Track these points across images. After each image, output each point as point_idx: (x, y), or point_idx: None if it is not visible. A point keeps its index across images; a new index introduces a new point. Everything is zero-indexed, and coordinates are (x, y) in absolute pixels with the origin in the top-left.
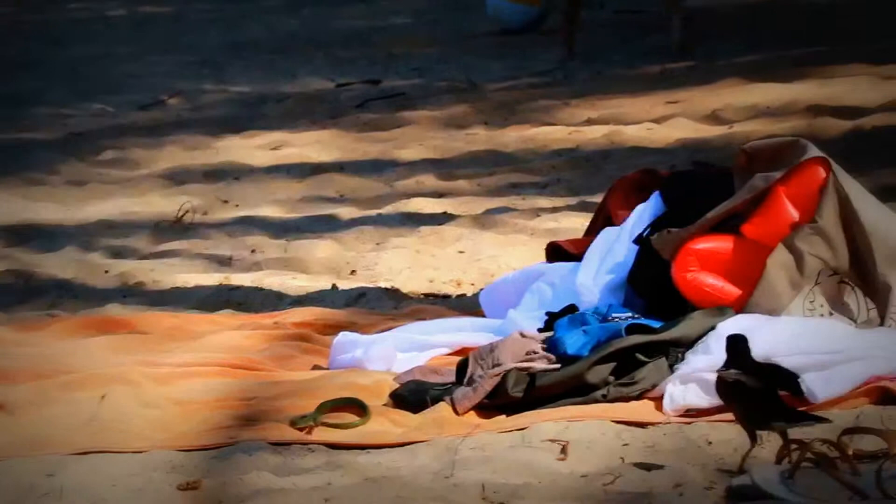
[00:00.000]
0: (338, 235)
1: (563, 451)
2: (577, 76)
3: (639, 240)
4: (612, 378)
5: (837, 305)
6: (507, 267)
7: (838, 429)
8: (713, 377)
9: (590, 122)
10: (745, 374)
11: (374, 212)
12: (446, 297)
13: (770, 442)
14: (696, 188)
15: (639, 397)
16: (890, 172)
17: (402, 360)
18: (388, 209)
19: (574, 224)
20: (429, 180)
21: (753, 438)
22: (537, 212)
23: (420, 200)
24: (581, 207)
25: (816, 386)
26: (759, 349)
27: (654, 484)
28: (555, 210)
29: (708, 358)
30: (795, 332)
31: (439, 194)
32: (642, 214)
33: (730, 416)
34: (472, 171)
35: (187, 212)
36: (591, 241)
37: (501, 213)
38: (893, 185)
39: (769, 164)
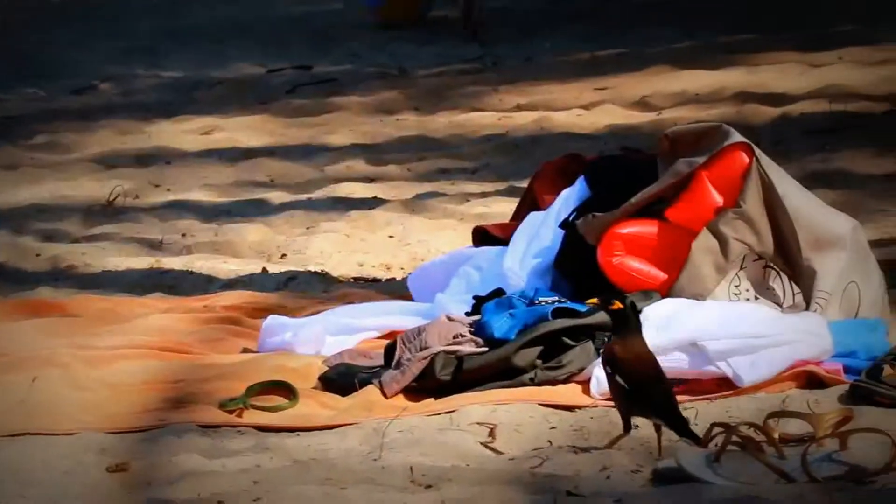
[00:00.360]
0: (268, 219)
1: (491, 434)
2: (507, 63)
3: (564, 224)
4: (539, 361)
5: (763, 290)
6: (436, 251)
7: (764, 412)
8: None
9: (519, 108)
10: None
11: (304, 196)
12: (376, 280)
13: (696, 425)
14: (622, 173)
15: (566, 381)
16: (816, 159)
17: (331, 344)
18: (318, 194)
19: (504, 209)
20: (359, 165)
21: (627, 426)
22: (467, 197)
23: (350, 185)
24: (510, 192)
25: (742, 370)
26: (686, 333)
27: (581, 467)
28: (484, 195)
29: None
30: (721, 316)
31: (369, 179)
32: (568, 199)
33: None
34: (402, 156)
35: (119, 196)
36: (518, 226)
37: (431, 198)
38: (820, 171)
39: (692, 149)
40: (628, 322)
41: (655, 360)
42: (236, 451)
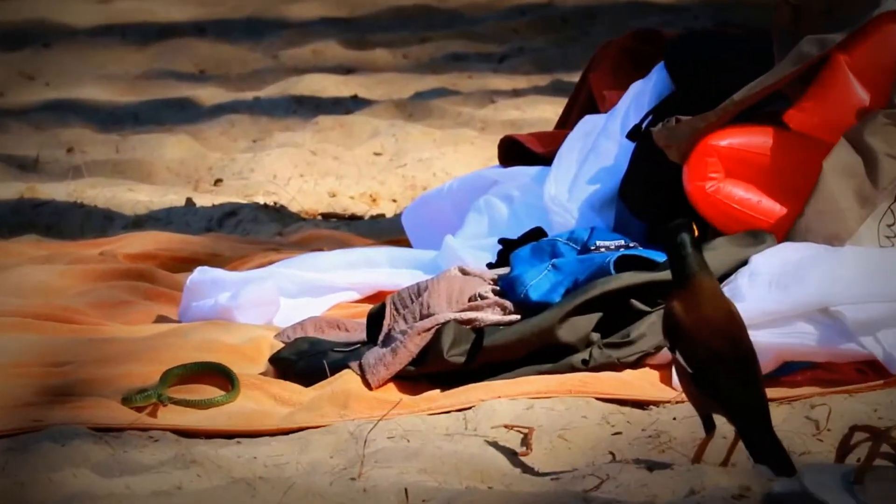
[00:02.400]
0: (196, 128)
1: (526, 442)
2: None
3: (635, 133)
4: (596, 336)
5: None
6: (443, 175)
7: None
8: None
9: None
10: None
11: (249, 94)
12: (355, 217)
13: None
14: (718, 57)
15: (636, 364)
16: None
17: (288, 309)
18: (270, 91)
19: (544, 114)
20: (331, 49)
21: (708, 427)
22: (491, 96)
23: (318, 78)
24: (555, 90)
25: None
26: (814, 294)
27: (657, 490)
28: (516, 93)
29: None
30: (866, 270)
31: (346, 70)
32: (639, 96)
33: (774, 392)
34: (394, 35)
35: None
36: (566, 136)
37: (437, 98)
38: None
39: (825, 20)
40: (685, 260)
41: (734, 323)
42: (147, 466)
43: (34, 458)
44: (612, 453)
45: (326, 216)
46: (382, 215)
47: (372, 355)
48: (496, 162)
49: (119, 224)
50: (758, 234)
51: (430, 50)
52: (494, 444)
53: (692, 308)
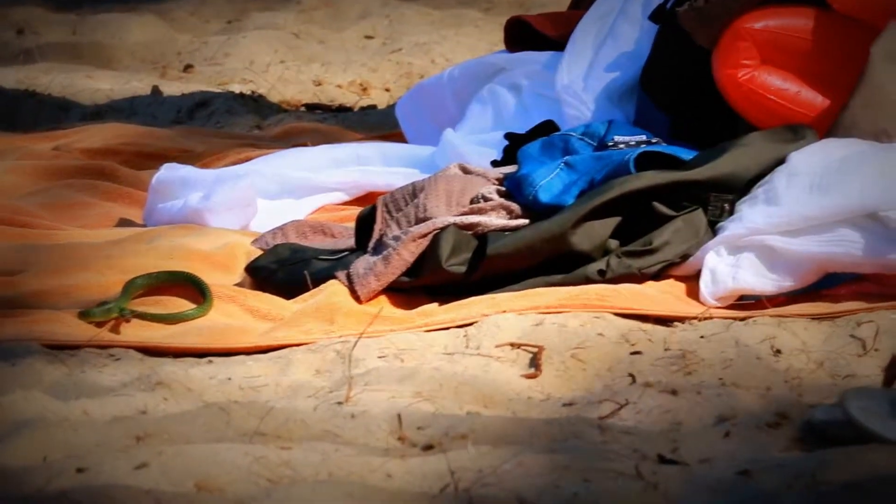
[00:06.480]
0: (163, 7)
1: (535, 362)
2: None
3: (658, 14)
4: (614, 243)
5: None
6: (443, 61)
7: None
8: (784, 243)
9: None
10: None
11: None
12: (343, 109)
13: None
14: None
15: (659, 275)
16: None
17: (267, 212)
18: None
19: None
20: None
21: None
22: None
23: None
24: None
25: None
26: (859, 197)
27: (682, 416)
28: None
29: (774, 212)
30: None
31: None
32: None
33: (815, 307)
34: None
35: None
36: (581, 18)
37: None
38: None
39: None
40: None
41: None
42: (108, 388)
43: None
44: (631, 375)
45: (311, 107)
46: (374, 106)
47: (361, 264)
48: (502, 47)
49: (76, 115)
50: (797, 129)
51: None
52: (499, 365)
53: None
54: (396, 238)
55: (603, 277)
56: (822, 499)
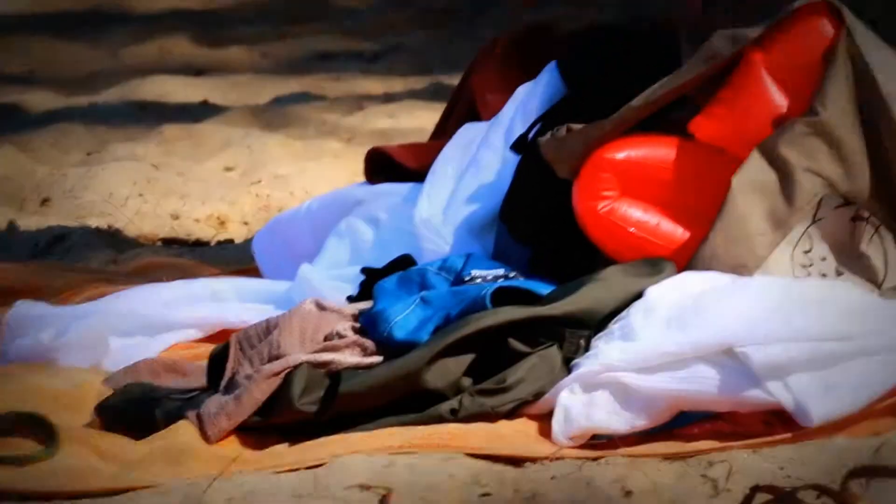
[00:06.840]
0: (22, 138)
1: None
2: None
3: (520, 144)
4: (468, 381)
5: (850, 258)
6: (303, 194)
7: (844, 469)
8: (638, 381)
9: None
10: None
11: (84, 99)
12: (200, 243)
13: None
14: (618, 56)
15: (512, 414)
16: None
17: (119, 350)
18: (108, 95)
19: (420, 122)
20: (179, 46)
21: None
22: (360, 101)
23: (163, 80)
24: (435, 94)
25: (811, 398)
26: (716, 333)
27: None
28: (389, 98)
29: (629, 348)
30: (779, 304)
31: (196, 71)
32: (527, 100)
33: (667, 446)
34: (252, 30)
35: None
36: (442, 148)
37: (299, 104)
38: None
39: (738, 11)
40: None
41: None
42: None
43: None
44: None
45: (167, 241)
46: (231, 241)
47: (213, 404)
48: (363, 178)
49: None
50: (655, 263)
51: (292, 48)
52: None
53: None
54: (248, 377)
55: (455, 416)
56: None
